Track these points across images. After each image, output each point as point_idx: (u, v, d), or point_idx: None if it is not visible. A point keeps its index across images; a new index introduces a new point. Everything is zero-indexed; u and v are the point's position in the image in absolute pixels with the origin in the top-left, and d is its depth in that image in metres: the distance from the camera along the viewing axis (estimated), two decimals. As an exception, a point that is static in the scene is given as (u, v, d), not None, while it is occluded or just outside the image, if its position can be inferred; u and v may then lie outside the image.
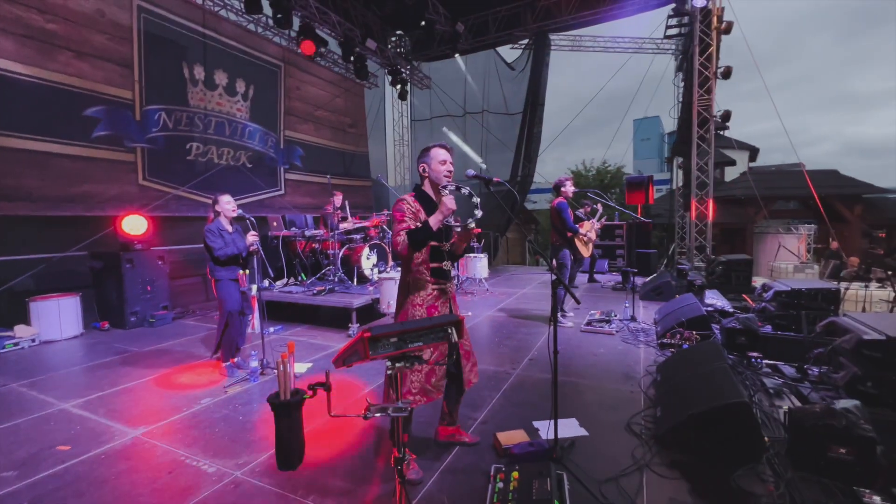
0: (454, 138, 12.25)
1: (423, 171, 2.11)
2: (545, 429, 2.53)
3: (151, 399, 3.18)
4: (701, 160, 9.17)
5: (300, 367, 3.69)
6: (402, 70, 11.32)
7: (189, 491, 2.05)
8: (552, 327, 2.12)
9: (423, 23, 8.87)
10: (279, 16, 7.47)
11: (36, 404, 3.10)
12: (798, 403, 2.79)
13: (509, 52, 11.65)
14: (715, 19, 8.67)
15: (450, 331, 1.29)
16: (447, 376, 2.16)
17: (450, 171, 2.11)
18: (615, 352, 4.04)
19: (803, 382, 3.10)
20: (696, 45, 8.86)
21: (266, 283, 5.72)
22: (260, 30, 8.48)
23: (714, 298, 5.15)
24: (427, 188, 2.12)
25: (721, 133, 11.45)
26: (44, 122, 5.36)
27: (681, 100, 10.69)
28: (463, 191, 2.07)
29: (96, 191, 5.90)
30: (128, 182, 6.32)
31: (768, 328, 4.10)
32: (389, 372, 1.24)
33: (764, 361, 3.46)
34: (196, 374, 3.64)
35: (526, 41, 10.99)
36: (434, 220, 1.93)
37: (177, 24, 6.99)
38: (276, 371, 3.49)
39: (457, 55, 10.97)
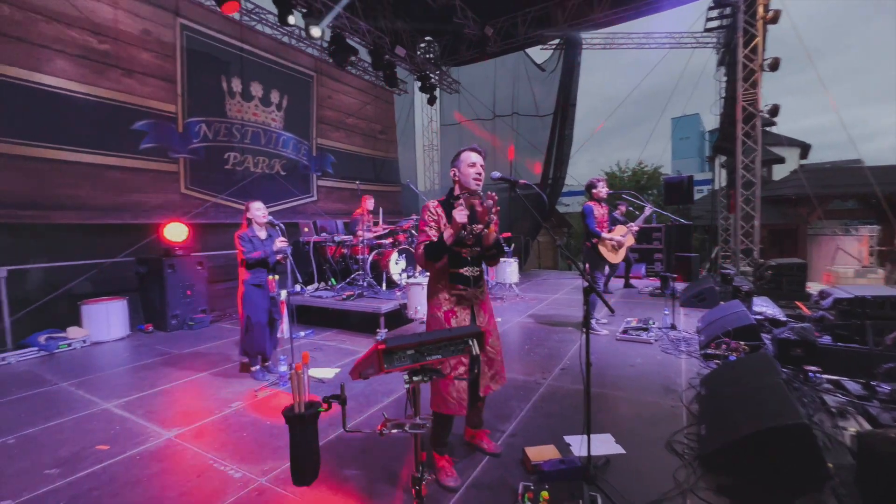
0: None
1: (454, 175, 2.12)
2: (577, 445, 2.39)
3: (186, 401, 3.27)
4: (746, 158, 8.64)
5: (328, 372, 3.70)
6: (431, 75, 11.36)
7: (215, 496, 2.06)
8: (584, 336, 2.00)
9: (450, 26, 8.86)
10: (311, 27, 7.65)
11: (82, 403, 3.26)
12: (867, 425, 2.51)
13: (539, 53, 11.46)
14: (761, 8, 8.18)
15: (471, 343, 1.21)
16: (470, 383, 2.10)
17: (479, 174, 2.07)
18: (653, 362, 3.81)
19: (871, 401, 2.78)
20: (740, 36, 8.38)
21: (297, 287, 5.83)
22: (294, 41, 8.75)
23: (764, 306, 4.79)
24: (457, 192, 2.10)
25: (767, 129, 10.77)
26: (96, 136, 5.72)
27: (723, 95, 10.14)
28: (479, 194, 2.05)
29: (143, 199, 6.23)
30: (171, 191, 6.64)
31: (827, 339, 3.75)
32: (407, 386, 1.17)
33: (823, 376, 3.15)
34: (228, 378, 3.73)
35: (556, 41, 10.78)
36: (447, 234, 1.93)
37: (216, 40, 7.32)
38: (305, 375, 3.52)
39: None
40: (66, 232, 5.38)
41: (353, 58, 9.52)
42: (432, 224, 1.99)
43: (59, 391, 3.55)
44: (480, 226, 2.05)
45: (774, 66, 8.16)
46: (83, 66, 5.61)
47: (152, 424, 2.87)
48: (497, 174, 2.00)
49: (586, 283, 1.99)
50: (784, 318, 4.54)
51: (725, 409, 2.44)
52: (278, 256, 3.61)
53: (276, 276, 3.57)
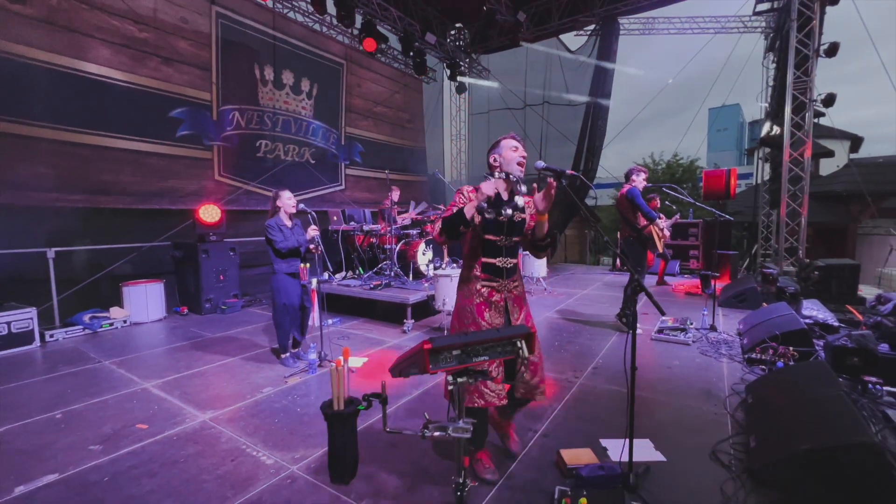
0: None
1: (495, 160, 2.03)
2: (615, 449, 2.29)
3: (219, 384, 3.33)
4: (795, 151, 8.10)
5: (356, 361, 3.71)
6: (461, 63, 11.17)
7: (249, 481, 2.08)
8: (628, 336, 1.89)
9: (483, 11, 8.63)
10: (342, 13, 7.61)
11: (122, 382, 3.38)
12: (937, 444, 2.29)
13: (573, 40, 11.06)
14: (819, -12, 7.57)
15: (519, 345, 1.13)
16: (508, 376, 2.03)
17: (523, 157, 2.01)
18: (692, 365, 3.63)
19: (941, 418, 2.55)
20: (794, 19, 7.81)
21: (326, 275, 5.88)
22: (325, 29, 8.73)
23: (813, 309, 4.49)
24: (498, 183, 2.01)
25: (817, 121, 10.09)
26: (136, 123, 5.88)
27: (771, 83, 9.54)
28: (512, 177, 1.97)
29: (179, 186, 6.40)
30: (206, 178, 6.80)
31: (885, 347, 3.47)
32: (451, 388, 1.11)
33: (885, 388, 2.91)
34: (259, 363, 3.79)
35: (592, 27, 10.37)
36: (468, 208, 1.82)
37: (250, 28, 7.37)
38: (333, 364, 3.53)
39: (522, 43, 10.59)
40: (108, 216, 5.59)
41: (382, 45, 9.46)
42: (461, 205, 1.90)
43: (101, 369, 3.69)
44: (519, 213, 1.95)
45: (832, 51, 7.59)
46: (124, 54, 5.76)
47: (188, 406, 2.94)
48: (542, 164, 1.88)
49: (633, 281, 1.86)
50: (836, 324, 4.24)
51: (778, 421, 2.27)
52: (311, 246, 3.61)
53: (308, 265, 3.58)
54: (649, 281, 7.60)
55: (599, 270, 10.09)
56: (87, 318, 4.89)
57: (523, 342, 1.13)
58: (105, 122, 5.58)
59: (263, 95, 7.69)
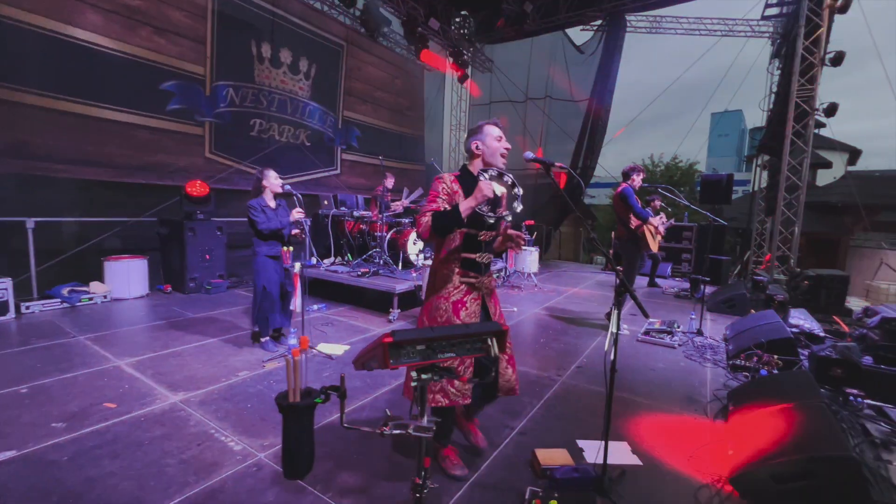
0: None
1: (476, 148, 1.89)
2: (591, 451, 2.25)
3: (195, 365, 3.26)
4: (794, 159, 8.07)
5: (338, 349, 3.64)
6: (465, 52, 10.97)
7: (213, 467, 2.02)
8: (608, 337, 1.83)
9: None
10: (344, -7, 7.41)
11: (96, 359, 3.30)
12: (914, 460, 2.28)
13: (579, 35, 10.90)
14: (829, -5, 7.48)
15: (490, 342, 1.07)
16: (478, 374, 1.97)
17: (507, 149, 1.89)
18: (676, 368, 3.60)
19: (920, 434, 2.54)
20: (802, 25, 7.72)
21: (314, 260, 5.79)
22: (326, 8, 8.52)
23: (801, 319, 4.48)
24: (475, 168, 1.89)
25: (817, 131, 10.05)
26: (125, 94, 5.70)
27: (774, 90, 9.47)
28: (506, 178, 1.83)
29: (168, 161, 6.24)
30: (196, 154, 6.64)
31: (868, 360, 3.47)
32: (414, 384, 1.04)
33: (866, 401, 2.90)
34: (238, 346, 3.71)
35: (599, 22, 10.22)
36: (465, 206, 1.68)
37: (248, 2, 7.16)
38: (313, 350, 3.46)
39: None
40: (92, 188, 5.43)
41: (385, 29, 9.25)
42: (445, 197, 1.79)
43: (75, 344, 3.60)
44: (507, 214, 1.84)
45: (838, 60, 7.52)
46: (114, 21, 5.56)
47: (160, 386, 2.86)
48: (531, 154, 1.81)
49: (618, 281, 1.80)
50: (822, 334, 4.24)
51: (757, 429, 2.24)
52: (294, 231, 3.52)
53: (291, 248, 3.49)
54: (641, 282, 7.58)
55: (592, 269, 10.07)
56: (65, 291, 4.78)
57: (494, 340, 1.06)
58: (92, 91, 5.40)
59: (260, 73, 7.50)
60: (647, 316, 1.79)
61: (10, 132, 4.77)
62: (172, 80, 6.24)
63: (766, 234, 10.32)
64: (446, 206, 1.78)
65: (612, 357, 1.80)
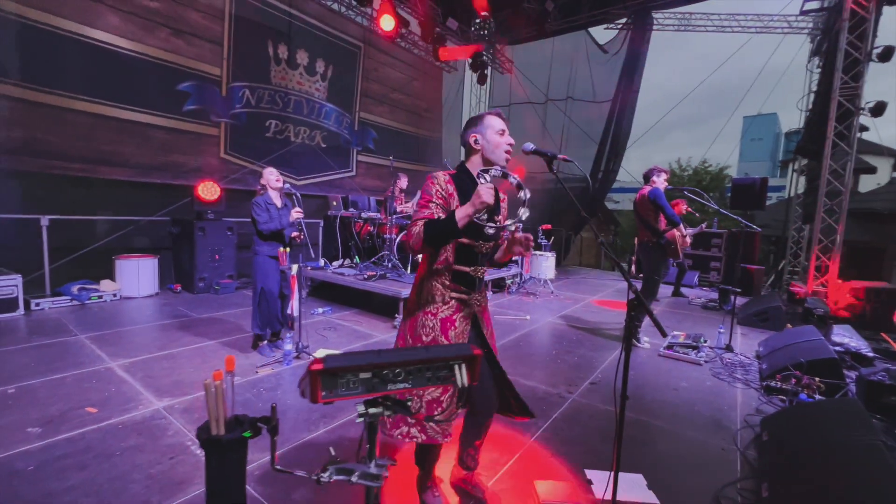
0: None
1: (475, 142, 1.61)
2: (601, 483, 1.98)
3: (187, 369, 3.14)
4: (836, 163, 7.50)
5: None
6: (485, 53, 10.78)
7: (181, 485, 1.86)
8: (622, 355, 1.58)
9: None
10: (360, -7, 7.34)
11: (90, 359, 3.23)
12: None
13: (603, 33, 10.54)
14: (877, -14, 6.93)
15: (457, 369, 0.85)
16: (467, 403, 1.74)
17: (511, 146, 1.61)
18: (702, 388, 3.27)
19: None
20: (846, 19, 7.18)
21: (322, 262, 5.67)
22: (343, 10, 8.49)
23: (845, 336, 4.05)
24: (474, 167, 1.64)
25: (860, 135, 9.35)
26: (142, 95, 5.75)
27: (815, 89, 8.88)
28: (511, 179, 1.57)
29: (182, 161, 6.28)
30: (211, 154, 6.66)
31: (927, 386, 3.05)
32: (359, 420, 0.84)
33: (927, 436, 2.51)
34: (235, 349, 3.59)
35: (623, 20, 9.85)
36: (461, 215, 1.40)
37: (265, 4, 7.18)
38: (311, 356, 3.30)
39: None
40: (107, 187, 5.48)
41: (403, 30, 9.16)
42: (439, 201, 1.53)
43: (75, 343, 3.56)
44: (511, 224, 1.59)
45: (886, 55, 6.94)
46: (133, 23, 5.62)
47: (146, 391, 2.75)
48: (531, 146, 1.58)
49: (633, 291, 1.54)
50: (870, 354, 3.80)
51: (798, 467, 1.93)
52: (294, 233, 3.39)
53: (288, 250, 3.35)
54: (665, 291, 7.16)
55: (613, 276, 9.65)
56: (75, 289, 4.80)
57: (463, 366, 0.85)
58: (110, 92, 5.46)
59: (276, 74, 7.50)
60: (664, 334, 1.53)
61: (28, 131, 4.85)
62: (189, 81, 6.29)
63: (802, 243, 9.67)
64: (440, 212, 1.53)
65: (623, 380, 1.53)
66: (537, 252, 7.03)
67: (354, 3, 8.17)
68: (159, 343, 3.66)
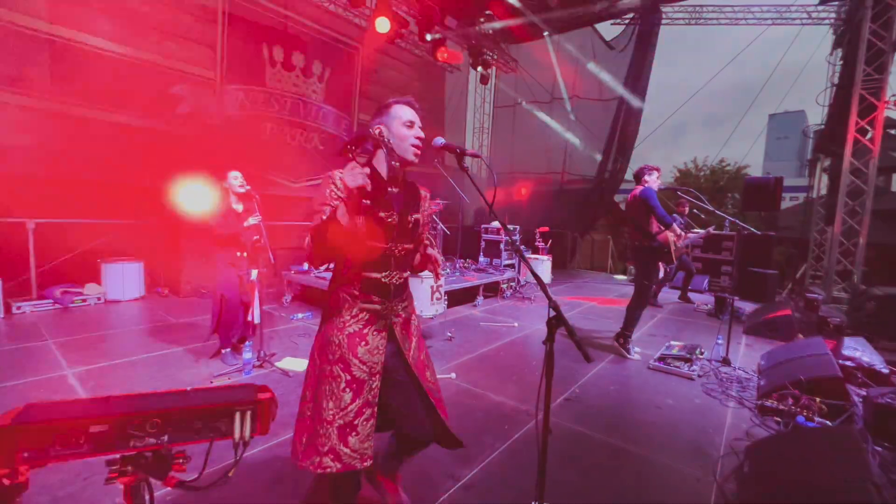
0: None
1: (380, 133, 1.42)
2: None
3: (140, 379, 3.04)
4: (858, 160, 7.01)
5: (299, 364, 3.33)
6: (488, 53, 10.56)
7: (84, 510, 1.73)
8: (543, 381, 1.35)
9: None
10: (354, -7, 7.23)
11: (49, 366, 3.16)
12: None
13: (609, 29, 10.20)
14: (902, -30, 6.45)
15: (237, 418, 0.66)
16: (393, 417, 1.55)
17: (419, 139, 1.44)
18: (689, 407, 2.99)
19: None
20: (869, 7, 6.71)
21: (305, 266, 5.56)
22: (340, 10, 8.41)
23: (857, 349, 3.68)
24: (379, 163, 1.46)
25: (891, 131, 8.75)
26: (133, 97, 5.76)
27: (835, 82, 8.36)
28: (394, 162, 1.41)
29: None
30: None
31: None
32: (111, 484, 0.66)
33: (941, 471, 2.19)
34: (199, 356, 3.48)
35: (631, 15, 9.49)
36: (342, 212, 1.23)
37: (260, 6, 7.14)
38: (273, 365, 3.16)
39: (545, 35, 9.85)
40: (96, 189, 5.50)
41: (402, 30, 9.04)
42: (335, 203, 1.33)
43: (40, 349, 3.51)
44: (418, 215, 1.44)
45: (913, 44, 6.44)
46: (123, 26, 5.63)
47: (90, 401, 2.65)
48: (441, 140, 1.39)
49: (554, 308, 1.32)
50: (886, 370, 3.44)
51: (773, 510, 1.67)
52: (254, 238, 3.26)
53: (245, 254, 3.23)
54: (670, 296, 6.80)
55: (617, 280, 9.28)
56: (57, 292, 4.81)
57: (247, 415, 0.66)
58: (100, 95, 5.48)
59: (271, 76, 7.47)
60: (588, 360, 1.31)
61: (12, 134, 4.88)
62: (182, 84, 6.28)
63: (825, 245, 9.11)
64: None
65: (544, 418, 1.32)
66: (532, 256, 6.77)
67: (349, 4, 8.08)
68: (125, 349, 3.59)
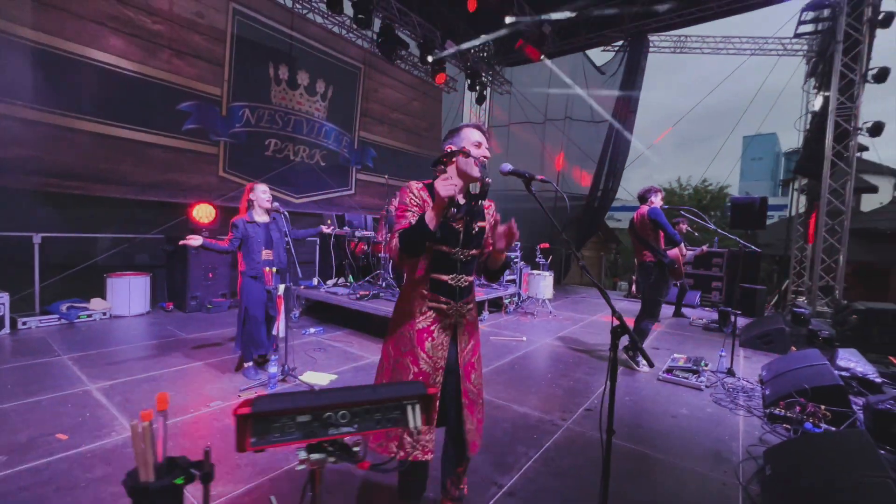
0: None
1: (463, 149, 1.58)
2: (591, 523, 1.86)
3: (169, 391, 2.99)
4: (836, 182, 7.46)
5: (322, 378, 3.37)
6: (483, 74, 10.93)
7: (144, 522, 1.75)
8: (607, 384, 1.48)
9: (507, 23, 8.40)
10: (360, 16, 7.48)
11: (69, 381, 3.14)
12: None
13: (600, 55, 10.72)
14: (870, 9, 7.03)
15: (410, 410, 0.77)
16: (443, 428, 1.65)
17: (486, 157, 1.60)
18: (702, 416, 3.14)
19: None
20: (840, 41, 7.25)
21: (315, 281, 5.61)
22: (344, 32, 8.65)
23: (851, 360, 3.91)
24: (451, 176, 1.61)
25: (860, 155, 9.34)
26: (141, 114, 5.81)
27: (812, 109, 8.92)
28: (483, 175, 1.55)
29: (180, 179, 6.29)
30: (209, 173, 6.69)
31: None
32: (300, 468, 0.76)
33: (941, 471, 2.37)
34: (220, 371, 3.50)
35: (620, 43, 10.00)
36: (430, 215, 1.39)
37: (267, 27, 7.32)
38: (297, 379, 3.20)
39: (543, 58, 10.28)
40: (104, 205, 5.48)
41: (402, 52, 9.32)
42: (415, 210, 1.52)
43: (56, 364, 3.47)
44: (483, 223, 1.59)
45: (882, 76, 6.98)
46: (135, 44, 5.72)
47: (122, 416, 2.65)
48: (508, 167, 1.54)
49: (618, 318, 1.45)
50: (878, 380, 3.66)
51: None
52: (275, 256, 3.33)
53: (274, 269, 3.29)
54: (665, 311, 7.02)
55: (614, 295, 9.52)
56: (64, 307, 4.74)
57: (416, 407, 0.77)
58: (110, 111, 5.51)
59: (276, 94, 7.60)
60: (651, 365, 1.44)
61: (24, 149, 4.87)
62: (189, 101, 6.36)
63: (806, 262, 9.55)
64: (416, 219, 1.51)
65: (608, 418, 1.43)
66: (535, 272, 6.94)
67: (355, 25, 8.33)
68: (143, 365, 3.57)
